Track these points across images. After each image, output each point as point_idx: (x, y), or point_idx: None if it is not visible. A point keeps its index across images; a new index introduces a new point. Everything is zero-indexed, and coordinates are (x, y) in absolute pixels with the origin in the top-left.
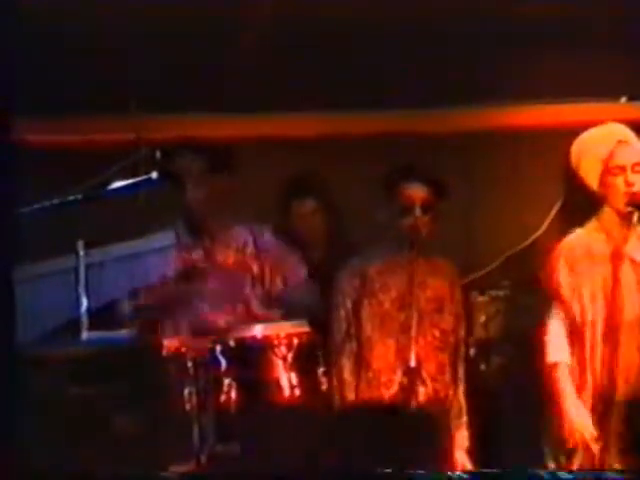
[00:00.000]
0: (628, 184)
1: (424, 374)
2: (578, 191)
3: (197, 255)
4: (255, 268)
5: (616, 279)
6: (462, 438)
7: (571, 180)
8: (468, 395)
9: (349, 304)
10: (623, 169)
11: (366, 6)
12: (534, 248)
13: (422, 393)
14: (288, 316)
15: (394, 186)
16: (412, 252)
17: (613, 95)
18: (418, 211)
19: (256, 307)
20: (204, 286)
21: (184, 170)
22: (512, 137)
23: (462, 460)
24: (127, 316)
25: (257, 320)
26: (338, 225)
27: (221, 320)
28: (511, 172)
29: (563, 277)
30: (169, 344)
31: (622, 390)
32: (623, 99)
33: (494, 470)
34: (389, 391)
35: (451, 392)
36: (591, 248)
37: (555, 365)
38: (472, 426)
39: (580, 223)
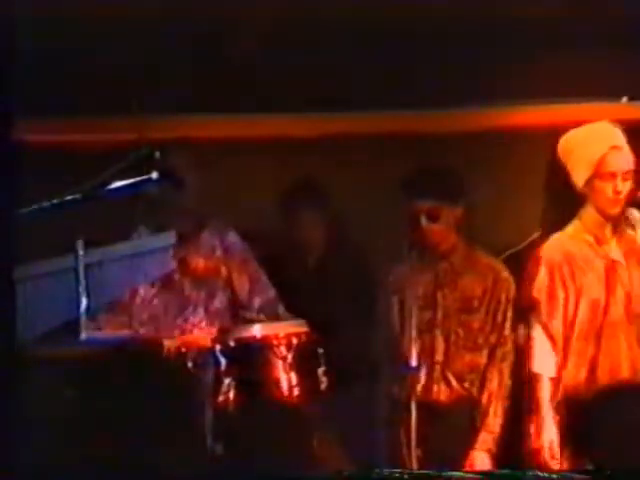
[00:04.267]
0: (616, 192)
1: (448, 374)
2: (562, 186)
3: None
4: (224, 271)
5: (602, 282)
6: (483, 440)
7: (556, 175)
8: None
9: (385, 300)
10: (614, 176)
11: (366, 6)
12: (534, 248)
13: (445, 393)
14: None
15: (403, 195)
16: (416, 259)
17: (614, 95)
18: (424, 220)
19: (234, 309)
20: (181, 294)
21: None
22: (512, 137)
23: (483, 462)
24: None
25: (239, 323)
26: (338, 229)
27: (196, 327)
28: (511, 172)
29: (544, 285)
30: (169, 344)
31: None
32: (624, 99)
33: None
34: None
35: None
36: (575, 253)
37: (538, 376)
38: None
39: (563, 220)
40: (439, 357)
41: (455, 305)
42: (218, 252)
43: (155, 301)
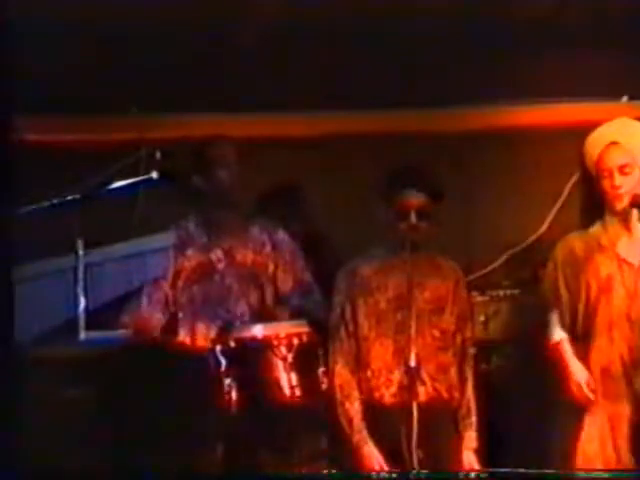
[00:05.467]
0: (613, 187)
1: (424, 374)
2: (591, 188)
3: (216, 254)
4: (271, 267)
5: (609, 279)
6: (470, 439)
7: (585, 177)
8: (476, 395)
9: (346, 303)
10: (610, 172)
11: (366, 5)
12: (534, 248)
13: (422, 393)
14: (298, 316)
15: (390, 190)
16: (409, 255)
17: (614, 95)
18: (413, 217)
19: (272, 306)
20: (223, 285)
21: (215, 163)
22: (512, 137)
23: (470, 460)
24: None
25: (273, 319)
26: (323, 235)
27: (238, 319)
28: (511, 172)
29: (560, 277)
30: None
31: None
32: (624, 98)
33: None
34: (388, 391)
35: (457, 392)
36: (579, 252)
37: (558, 343)
38: (480, 426)
39: (590, 221)
40: (415, 358)
41: (426, 306)
42: (267, 248)
43: (195, 287)
